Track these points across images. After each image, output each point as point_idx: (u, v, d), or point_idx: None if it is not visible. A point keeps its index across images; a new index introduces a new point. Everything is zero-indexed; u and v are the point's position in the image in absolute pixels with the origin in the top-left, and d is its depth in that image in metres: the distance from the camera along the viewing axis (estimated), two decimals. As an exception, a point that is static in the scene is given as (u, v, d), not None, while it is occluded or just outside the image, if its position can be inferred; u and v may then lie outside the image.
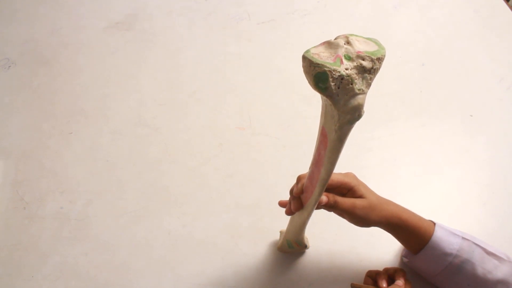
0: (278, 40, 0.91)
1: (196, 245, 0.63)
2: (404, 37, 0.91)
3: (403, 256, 0.58)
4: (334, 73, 0.32)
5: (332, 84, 0.32)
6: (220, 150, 0.73)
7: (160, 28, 0.93)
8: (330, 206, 0.48)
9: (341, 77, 0.32)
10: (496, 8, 0.96)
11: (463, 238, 0.51)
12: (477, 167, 0.71)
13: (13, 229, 0.65)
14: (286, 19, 0.95)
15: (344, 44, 0.33)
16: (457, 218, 0.65)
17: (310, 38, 0.90)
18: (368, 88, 0.34)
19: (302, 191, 0.48)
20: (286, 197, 0.53)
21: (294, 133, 0.75)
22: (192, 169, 0.71)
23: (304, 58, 0.34)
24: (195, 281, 0.60)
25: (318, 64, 0.32)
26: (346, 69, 0.32)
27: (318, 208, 0.48)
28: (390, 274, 0.54)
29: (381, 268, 0.56)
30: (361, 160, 0.71)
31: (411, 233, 0.51)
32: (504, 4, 0.97)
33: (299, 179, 0.49)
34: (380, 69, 0.35)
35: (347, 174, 0.51)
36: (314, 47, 0.34)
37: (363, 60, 0.33)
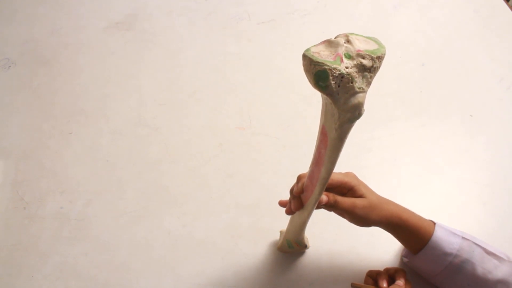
0: (278, 40, 0.91)
1: (196, 245, 0.63)
2: (404, 37, 0.91)
3: (403, 256, 0.58)
4: (334, 71, 0.32)
5: (332, 82, 0.32)
6: (220, 150, 0.73)
7: (160, 28, 0.93)
8: (330, 206, 0.48)
9: (341, 76, 0.32)
10: (496, 8, 0.96)
11: (463, 238, 0.51)
12: (477, 167, 0.71)
13: (13, 229, 0.65)
14: (286, 19, 0.95)
15: (344, 42, 0.34)
16: (457, 218, 0.65)
17: (310, 38, 0.89)
18: (368, 87, 0.34)
19: (302, 191, 0.48)
20: (286, 197, 0.53)
21: (294, 133, 0.75)
22: (192, 169, 0.71)
23: (305, 56, 0.34)
24: (195, 281, 0.60)
25: (319, 62, 0.32)
26: (346, 67, 0.32)
27: (318, 207, 0.48)
28: (391, 274, 0.54)
29: (381, 268, 0.56)
30: (361, 160, 0.71)
31: (411, 233, 0.51)
32: (504, 4, 0.97)
33: (299, 178, 0.49)
34: (380, 69, 0.35)
35: (347, 174, 0.51)
36: (315, 45, 0.35)
37: (363, 58, 0.33)
